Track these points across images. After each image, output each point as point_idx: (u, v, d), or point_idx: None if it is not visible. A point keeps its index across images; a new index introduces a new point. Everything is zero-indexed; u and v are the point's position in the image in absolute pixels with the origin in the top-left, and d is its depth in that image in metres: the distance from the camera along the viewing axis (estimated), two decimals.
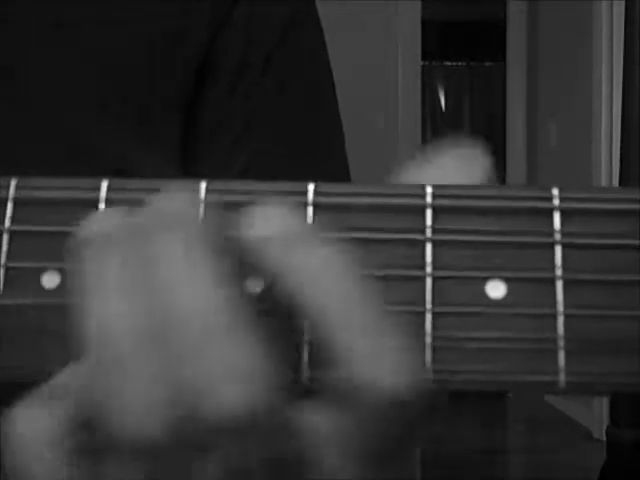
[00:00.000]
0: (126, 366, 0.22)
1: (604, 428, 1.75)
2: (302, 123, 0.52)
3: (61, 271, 0.27)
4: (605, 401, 3.14)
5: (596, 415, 3.32)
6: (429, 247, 0.27)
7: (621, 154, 1.64)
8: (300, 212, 0.26)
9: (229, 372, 0.22)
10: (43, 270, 0.27)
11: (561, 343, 0.26)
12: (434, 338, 0.26)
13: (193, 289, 0.23)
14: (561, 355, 0.26)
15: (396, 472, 0.27)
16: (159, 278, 0.23)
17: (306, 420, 0.25)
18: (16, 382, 0.27)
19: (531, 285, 0.26)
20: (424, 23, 3.69)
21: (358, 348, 0.24)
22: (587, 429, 3.39)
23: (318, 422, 0.26)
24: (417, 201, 0.27)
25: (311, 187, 0.27)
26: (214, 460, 0.23)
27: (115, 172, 0.43)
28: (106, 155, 0.47)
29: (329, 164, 0.48)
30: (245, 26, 0.51)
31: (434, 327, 0.26)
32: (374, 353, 0.24)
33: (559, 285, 0.26)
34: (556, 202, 0.27)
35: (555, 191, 0.27)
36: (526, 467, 3.30)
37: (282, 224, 0.25)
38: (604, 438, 1.68)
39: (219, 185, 0.28)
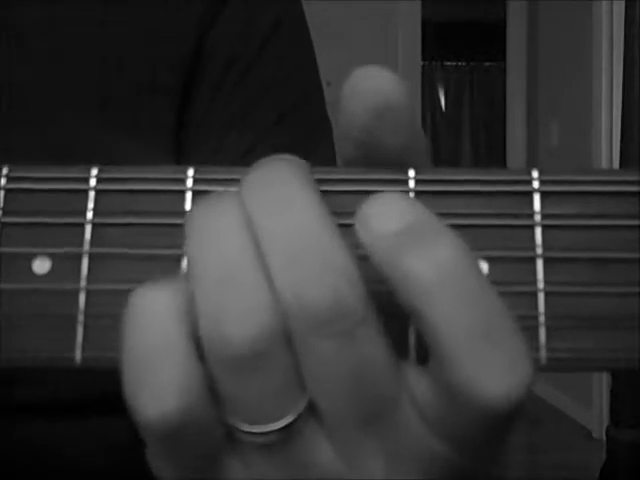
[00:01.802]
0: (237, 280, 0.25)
1: (604, 428, 1.75)
2: (290, 117, 0.53)
3: (52, 257, 0.27)
4: (605, 401, 3.14)
5: (596, 415, 3.32)
6: None
7: (621, 154, 1.64)
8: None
9: (321, 275, 0.24)
10: (34, 256, 0.28)
11: (542, 320, 0.26)
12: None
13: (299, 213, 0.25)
14: (542, 332, 0.26)
15: (488, 462, 0.26)
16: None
17: (407, 379, 0.25)
18: (10, 367, 0.27)
19: (512, 264, 0.27)
20: (424, 23, 3.69)
21: (474, 352, 0.24)
22: (587, 429, 3.39)
23: (419, 389, 0.25)
24: (401, 187, 0.27)
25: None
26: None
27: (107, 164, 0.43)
28: (99, 149, 0.47)
29: (318, 158, 0.48)
30: (235, 23, 0.52)
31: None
32: (489, 358, 0.24)
33: (539, 263, 0.26)
34: (536, 184, 0.27)
35: (535, 173, 0.27)
36: (526, 467, 3.30)
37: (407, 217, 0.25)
38: (604, 438, 1.68)
39: (207, 172, 0.28)
